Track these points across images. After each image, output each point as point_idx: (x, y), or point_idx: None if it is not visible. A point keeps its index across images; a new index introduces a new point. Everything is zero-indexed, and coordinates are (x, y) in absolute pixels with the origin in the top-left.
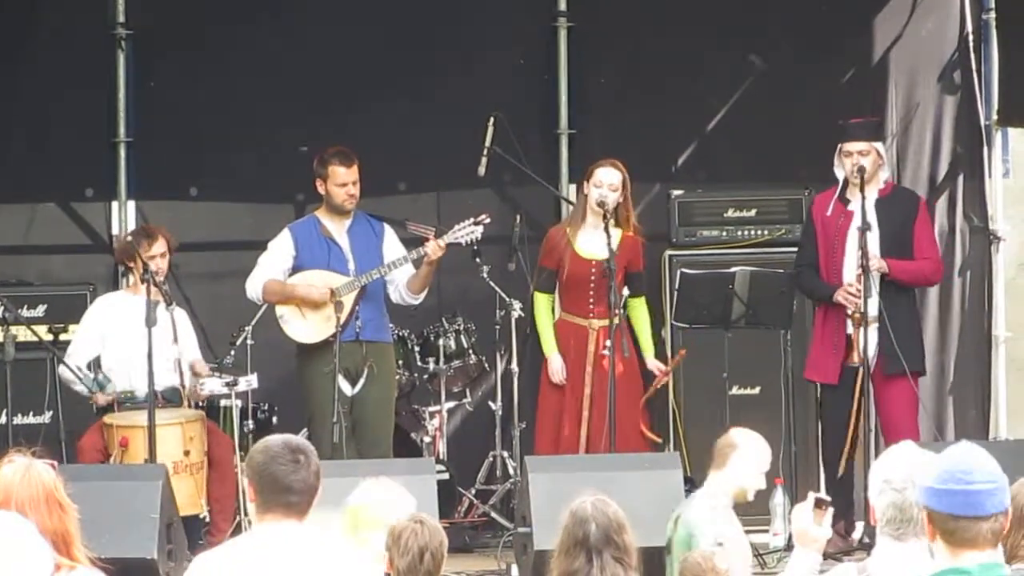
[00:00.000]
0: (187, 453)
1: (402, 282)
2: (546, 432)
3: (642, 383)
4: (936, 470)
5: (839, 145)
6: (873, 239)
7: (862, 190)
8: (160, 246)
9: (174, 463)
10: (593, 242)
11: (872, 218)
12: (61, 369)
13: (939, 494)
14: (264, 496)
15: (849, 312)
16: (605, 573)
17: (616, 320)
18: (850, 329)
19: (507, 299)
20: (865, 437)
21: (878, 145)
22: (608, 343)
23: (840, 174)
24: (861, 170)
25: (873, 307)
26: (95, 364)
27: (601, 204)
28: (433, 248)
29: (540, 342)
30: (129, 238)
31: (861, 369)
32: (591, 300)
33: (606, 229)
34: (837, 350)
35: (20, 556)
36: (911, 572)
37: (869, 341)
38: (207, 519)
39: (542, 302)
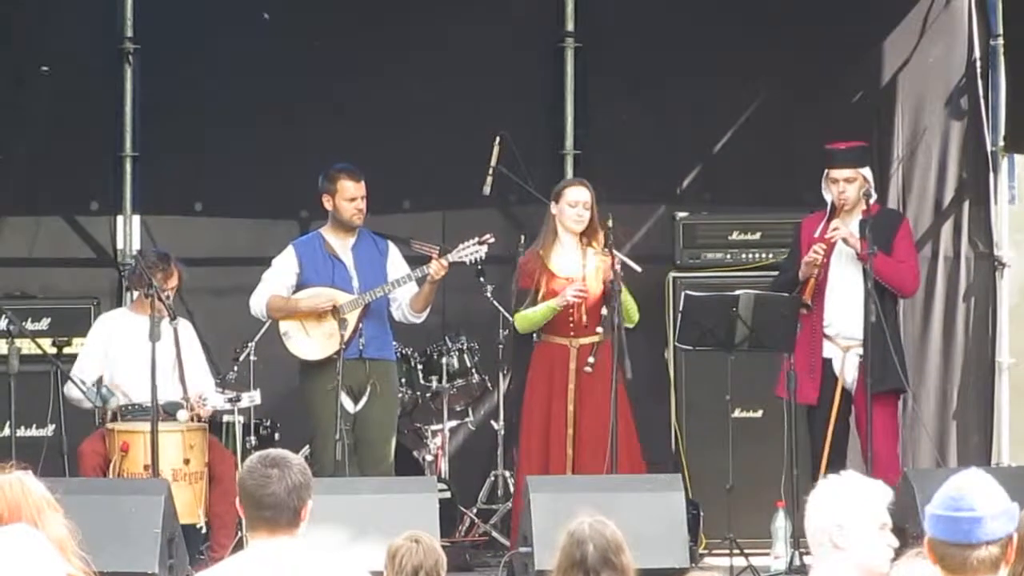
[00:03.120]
0: (187, 461)
1: (405, 300)
2: (532, 451)
3: (629, 404)
4: (937, 496)
5: (825, 170)
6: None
7: (837, 213)
8: (173, 281)
9: (173, 470)
10: (568, 261)
11: (858, 236)
12: (67, 387)
13: (934, 520)
14: (246, 512)
15: (808, 260)
16: None
17: (604, 337)
18: (830, 351)
19: (510, 318)
20: (825, 461)
21: (864, 171)
22: (591, 359)
23: (828, 197)
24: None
25: (856, 330)
26: (99, 380)
27: (580, 222)
28: (436, 267)
29: (545, 314)
30: (152, 263)
31: (840, 390)
32: (571, 319)
33: (583, 246)
34: (814, 372)
35: (37, 570)
36: None
37: (848, 364)
38: (203, 530)
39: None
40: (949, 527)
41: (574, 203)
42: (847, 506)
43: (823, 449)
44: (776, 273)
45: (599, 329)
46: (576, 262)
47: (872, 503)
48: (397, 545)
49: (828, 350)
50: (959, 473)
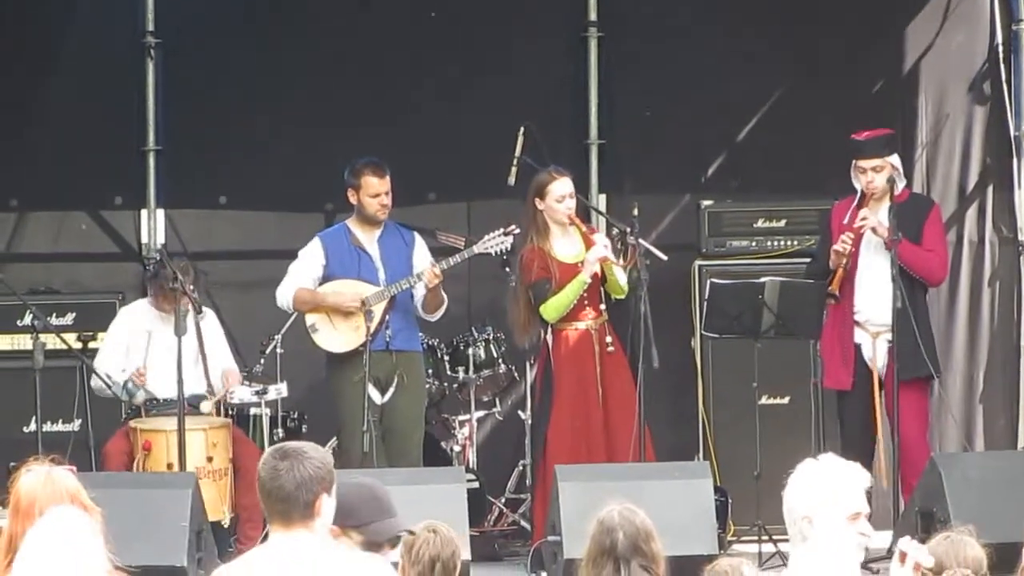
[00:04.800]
0: (210, 459)
1: (419, 300)
2: (563, 440)
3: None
4: None
5: (853, 160)
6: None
7: (866, 202)
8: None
9: (197, 468)
10: (569, 247)
11: (886, 226)
12: (93, 378)
13: None
14: (262, 504)
15: (837, 249)
16: None
17: (605, 317)
18: (860, 338)
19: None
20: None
21: (892, 159)
22: (608, 339)
23: (858, 186)
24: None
25: (886, 316)
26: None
27: (570, 211)
28: (428, 276)
29: (576, 290)
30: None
31: (875, 375)
32: (586, 301)
33: (581, 233)
34: (847, 360)
35: (81, 553)
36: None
37: (879, 350)
38: (226, 525)
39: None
40: None
41: (561, 197)
42: (816, 499)
43: (864, 435)
44: (807, 260)
45: (602, 306)
46: (576, 245)
47: (843, 494)
48: (415, 536)
49: (858, 336)
50: None
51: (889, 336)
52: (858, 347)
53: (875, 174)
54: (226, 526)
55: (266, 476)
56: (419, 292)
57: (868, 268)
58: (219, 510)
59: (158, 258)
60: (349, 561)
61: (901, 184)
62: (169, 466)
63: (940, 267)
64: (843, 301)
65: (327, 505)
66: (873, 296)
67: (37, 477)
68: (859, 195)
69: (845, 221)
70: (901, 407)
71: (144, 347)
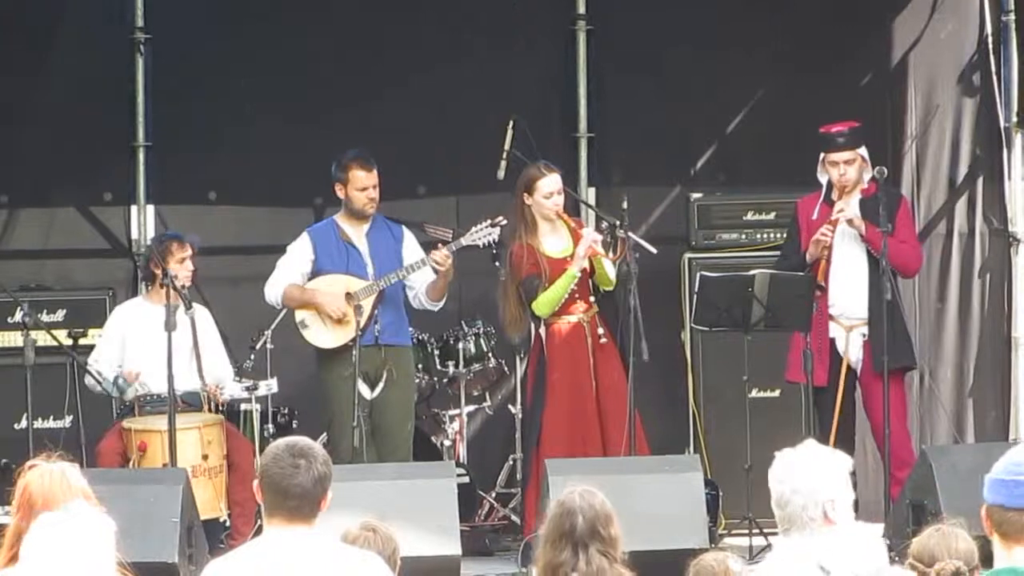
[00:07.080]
0: (205, 457)
1: (421, 288)
2: (558, 435)
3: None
4: (999, 463)
5: (822, 154)
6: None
7: (840, 194)
8: (187, 252)
9: (192, 467)
10: (557, 242)
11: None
12: (87, 376)
13: (993, 485)
14: (267, 498)
15: (817, 239)
16: (591, 566)
17: (596, 309)
18: (834, 331)
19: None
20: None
21: (861, 151)
22: (600, 331)
23: (824, 179)
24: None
25: (861, 309)
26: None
27: (558, 207)
28: (441, 257)
29: (566, 285)
30: (165, 245)
31: (845, 370)
32: (576, 295)
33: (569, 228)
34: (822, 354)
35: (94, 555)
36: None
37: (853, 343)
38: (227, 523)
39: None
40: (1011, 492)
41: (549, 194)
42: (838, 480)
43: (831, 429)
44: (778, 257)
45: (592, 299)
46: (565, 240)
47: (848, 476)
48: (354, 535)
49: (832, 330)
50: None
51: (863, 330)
52: (832, 341)
53: (847, 167)
54: (226, 523)
55: (283, 473)
56: (424, 278)
57: (842, 261)
58: (217, 507)
59: (147, 254)
60: (347, 556)
61: (868, 175)
62: (164, 466)
63: (916, 258)
64: (819, 296)
65: (328, 502)
66: (847, 289)
67: (49, 473)
68: (826, 188)
69: (814, 216)
70: (879, 399)
71: (139, 343)
